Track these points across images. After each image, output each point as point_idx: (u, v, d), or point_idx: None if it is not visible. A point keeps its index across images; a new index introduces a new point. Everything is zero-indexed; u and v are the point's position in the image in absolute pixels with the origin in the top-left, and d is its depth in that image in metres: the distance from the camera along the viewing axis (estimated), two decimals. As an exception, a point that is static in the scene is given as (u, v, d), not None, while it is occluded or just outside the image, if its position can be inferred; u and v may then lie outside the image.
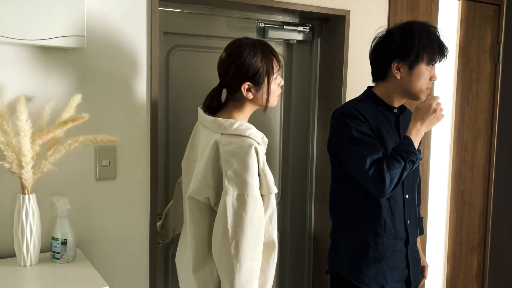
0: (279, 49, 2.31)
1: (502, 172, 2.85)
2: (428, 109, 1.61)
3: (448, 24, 2.62)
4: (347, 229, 1.77)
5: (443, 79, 2.64)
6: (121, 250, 1.80)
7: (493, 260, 2.93)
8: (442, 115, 1.64)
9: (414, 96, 1.72)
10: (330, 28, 2.32)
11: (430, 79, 1.69)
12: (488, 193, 2.85)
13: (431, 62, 1.68)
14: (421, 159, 1.64)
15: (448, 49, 1.70)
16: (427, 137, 2.56)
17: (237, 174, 1.40)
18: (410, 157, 1.58)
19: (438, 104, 1.62)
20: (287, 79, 2.36)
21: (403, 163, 1.57)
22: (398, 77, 1.69)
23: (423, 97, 1.71)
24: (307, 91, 2.41)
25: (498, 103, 2.81)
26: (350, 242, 1.75)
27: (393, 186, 1.58)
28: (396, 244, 1.73)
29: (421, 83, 1.68)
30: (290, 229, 2.45)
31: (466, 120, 2.73)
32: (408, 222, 1.76)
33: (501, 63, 2.78)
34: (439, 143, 2.69)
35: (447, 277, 2.83)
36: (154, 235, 1.86)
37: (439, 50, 1.68)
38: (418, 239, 1.94)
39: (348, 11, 2.23)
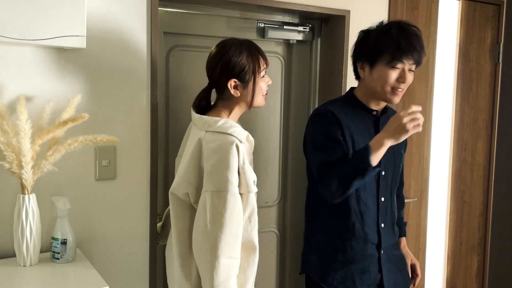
0: (279, 49, 2.31)
1: (502, 172, 2.85)
2: (396, 120, 1.50)
3: (448, 24, 2.62)
4: (317, 231, 1.75)
5: (443, 79, 2.64)
6: (121, 250, 1.80)
7: (493, 260, 2.93)
8: (415, 127, 1.48)
9: (381, 97, 1.65)
10: (330, 28, 2.32)
11: (398, 80, 1.60)
12: (488, 193, 2.85)
13: (392, 63, 1.58)
14: (376, 169, 1.54)
15: (416, 49, 1.57)
16: (426, 137, 2.56)
17: (218, 171, 1.41)
18: (362, 165, 1.51)
19: (410, 115, 1.48)
20: (287, 79, 2.36)
21: (353, 170, 1.52)
22: (362, 76, 1.69)
23: (390, 98, 1.62)
24: (307, 91, 2.41)
25: (498, 103, 2.81)
26: (319, 245, 1.74)
27: (340, 192, 1.54)
28: (366, 248, 1.68)
29: (383, 84, 1.61)
30: (290, 229, 2.45)
31: (466, 120, 2.73)
32: (382, 225, 1.71)
33: (501, 63, 2.78)
34: (439, 143, 2.69)
35: (447, 277, 2.83)
36: (154, 235, 1.86)
37: (397, 50, 1.57)
38: (403, 240, 1.90)
39: (348, 11, 2.23)
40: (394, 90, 1.61)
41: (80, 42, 1.57)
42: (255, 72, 1.51)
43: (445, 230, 2.80)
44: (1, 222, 1.60)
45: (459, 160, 2.74)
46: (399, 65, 1.59)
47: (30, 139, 1.46)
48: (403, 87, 1.61)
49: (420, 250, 2.64)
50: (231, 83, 1.50)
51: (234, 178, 1.41)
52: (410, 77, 1.61)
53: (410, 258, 1.92)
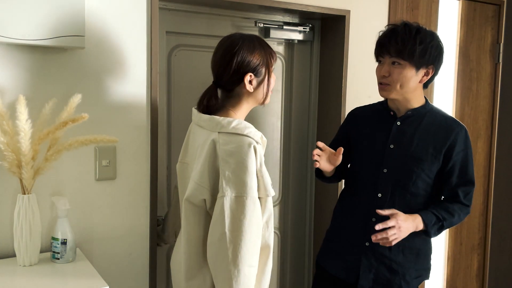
0: (279, 49, 2.31)
1: (502, 172, 2.85)
2: None
3: (448, 24, 2.62)
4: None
5: (443, 79, 2.64)
6: (121, 250, 1.80)
7: (493, 260, 2.92)
8: (315, 162, 1.69)
9: None
10: (330, 28, 2.32)
11: (380, 73, 1.69)
12: (488, 193, 2.85)
13: (376, 58, 1.73)
14: (327, 179, 1.88)
15: (390, 42, 1.65)
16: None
17: (236, 175, 1.34)
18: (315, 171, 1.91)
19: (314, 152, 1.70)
20: (287, 79, 2.36)
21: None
22: None
23: (379, 92, 1.72)
24: (307, 91, 2.41)
25: (498, 103, 2.81)
26: (327, 231, 1.94)
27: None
28: (350, 240, 1.79)
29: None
30: (291, 229, 2.45)
31: (466, 120, 2.73)
32: (374, 219, 1.72)
33: (501, 63, 2.78)
34: (439, 143, 2.69)
35: (447, 277, 2.83)
36: (154, 235, 1.86)
37: (377, 45, 1.71)
38: (415, 215, 1.67)
39: (348, 11, 2.23)
40: (379, 84, 1.71)
41: (79, 42, 1.57)
42: (268, 66, 1.48)
43: (445, 230, 2.80)
44: (1, 222, 1.60)
45: (459, 160, 2.74)
46: (380, 59, 1.71)
47: (30, 139, 1.46)
48: (386, 81, 1.68)
49: (420, 250, 2.64)
50: (247, 77, 1.44)
51: (253, 182, 1.35)
52: (395, 72, 1.65)
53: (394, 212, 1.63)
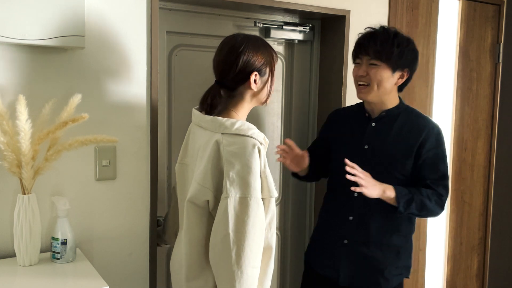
0: (279, 49, 2.31)
1: (502, 172, 2.85)
2: None
3: (448, 24, 2.62)
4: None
5: (443, 79, 2.64)
6: (121, 250, 1.80)
7: (493, 260, 2.92)
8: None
9: None
10: (330, 28, 2.32)
11: (358, 74, 1.73)
12: (488, 193, 2.85)
13: (354, 60, 1.78)
14: (303, 179, 1.97)
15: (369, 44, 1.70)
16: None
17: (240, 176, 1.34)
18: None
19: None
20: (287, 79, 2.36)
21: None
22: None
23: (357, 94, 1.76)
24: (307, 91, 2.41)
25: (498, 103, 2.81)
26: (314, 230, 2.00)
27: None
28: (331, 239, 1.83)
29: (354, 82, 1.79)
30: (291, 229, 2.45)
31: (466, 120, 2.73)
32: (350, 218, 1.77)
33: (501, 63, 2.78)
34: (439, 143, 2.69)
35: (447, 277, 2.83)
36: (154, 235, 1.86)
37: (355, 47, 1.75)
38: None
39: (348, 11, 2.23)
40: (357, 85, 1.76)
41: (80, 42, 1.57)
42: (272, 66, 1.49)
43: (445, 230, 2.80)
44: (1, 222, 1.60)
45: (459, 160, 2.74)
46: (358, 60, 1.75)
47: (30, 139, 1.46)
48: (364, 80, 1.72)
49: (420, 250, 2.64)
50: (253, 76, 1.44)
51: (257, 183, 1.35)
52: (372, 72, 1.70)
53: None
